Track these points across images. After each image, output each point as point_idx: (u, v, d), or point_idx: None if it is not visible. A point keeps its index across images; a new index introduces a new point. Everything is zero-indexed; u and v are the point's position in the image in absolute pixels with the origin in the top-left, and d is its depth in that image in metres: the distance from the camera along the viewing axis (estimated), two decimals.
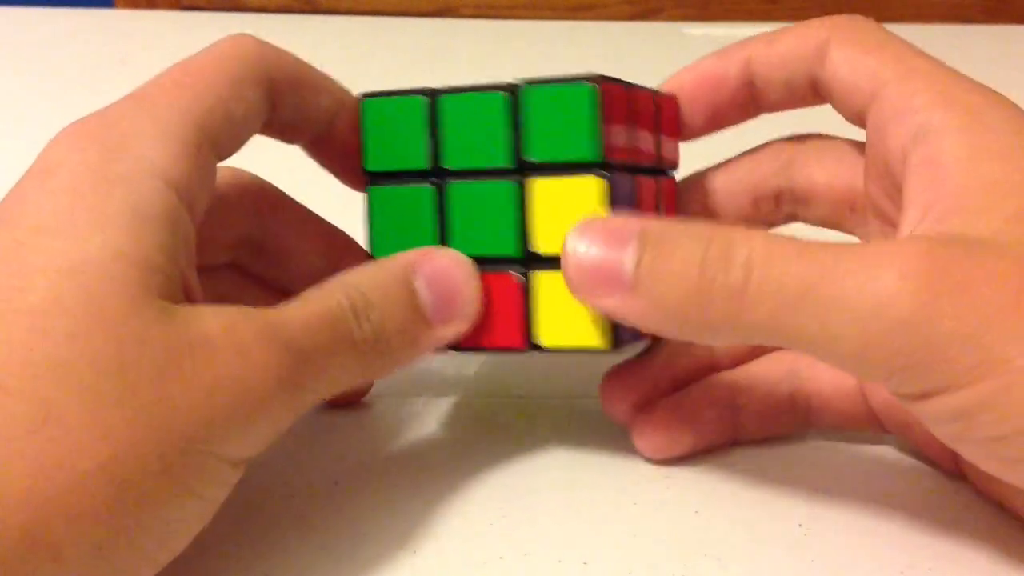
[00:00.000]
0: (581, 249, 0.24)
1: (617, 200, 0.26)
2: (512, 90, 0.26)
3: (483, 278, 0.26)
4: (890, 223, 0.27)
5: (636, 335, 0.27)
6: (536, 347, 0.26)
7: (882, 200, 0.27)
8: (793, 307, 0.22)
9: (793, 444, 0.29)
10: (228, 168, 0.27)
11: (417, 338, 0.26)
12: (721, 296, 0.22)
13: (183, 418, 0.21)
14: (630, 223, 0.24)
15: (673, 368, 0.29)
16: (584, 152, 0.25)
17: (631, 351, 0.29)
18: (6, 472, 0.19)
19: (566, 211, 0.25)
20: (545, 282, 0.26)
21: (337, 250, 0.30)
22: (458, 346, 0.27)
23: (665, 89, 0.29)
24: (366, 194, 0.28)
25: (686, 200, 0.30)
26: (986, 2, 0.99)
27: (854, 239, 0.29)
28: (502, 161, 0.26)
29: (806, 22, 0.28)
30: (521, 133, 0.26)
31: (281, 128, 0.28)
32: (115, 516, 0.20)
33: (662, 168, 0.29)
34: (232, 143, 0.26)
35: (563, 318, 0.26)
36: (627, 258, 0.23)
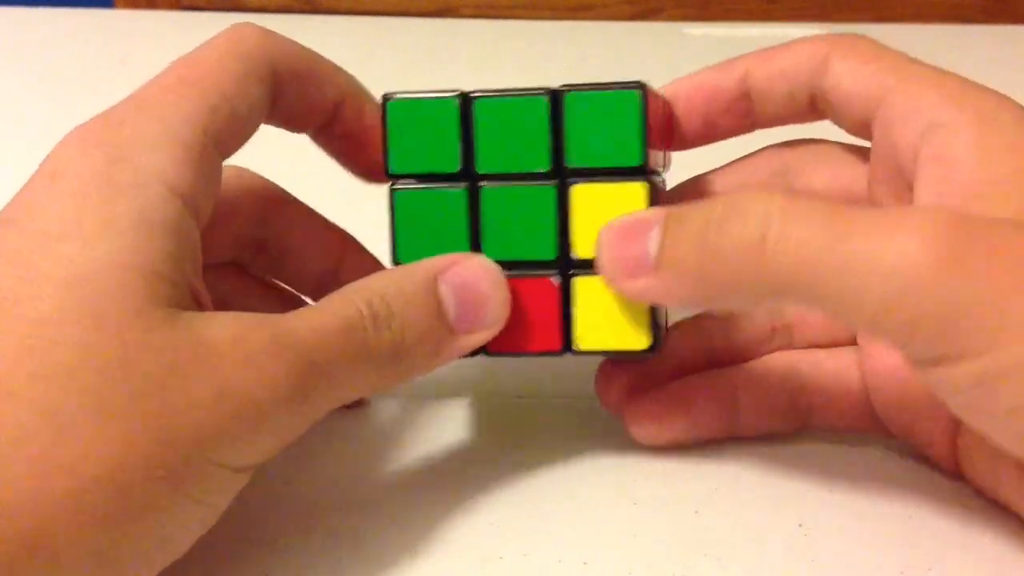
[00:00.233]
0: (613, 239, 0.25)
1: (654, 204, 0.26)
2: (554, 95, 0.26)
3: (517, 282, 0.26)
4: None
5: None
6: (572, 350, 0.27)
7: (890, 202, 0.27)
8: (815, 262, 0.22)
9: (793, 444, 0.29)
10: (231, 167, 0.27)
11: (439, 347, 0.25)
12: (739, 251, 0.22)
13: (187, 426, 0.21)
14: (657, 211, 0.25)
15: (671, 359, 0.29)
16: (630, 157, 0.26)
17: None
18: (10, 476, 0.19)
19: (607, 215, 0.25)
20: (584, 286, 0.26)
21: (340, 250, 0.30)
22: (491, 351, 0.27)
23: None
24: (390, 197, 0.27)
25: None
26: (986, 2, 0.99)
27: None
28: (541, 165, 0.26)
29: (805, 38, 0.28)
30: (563, 138, 0.26)
31: (285, 117, 0.28)
32: (117, 522, 0.20)
33: (656, 171, 0.29)
34: (237, 140, 0.26)
35: (602, 321, 0.26)
36: (652, 240, 0.24)
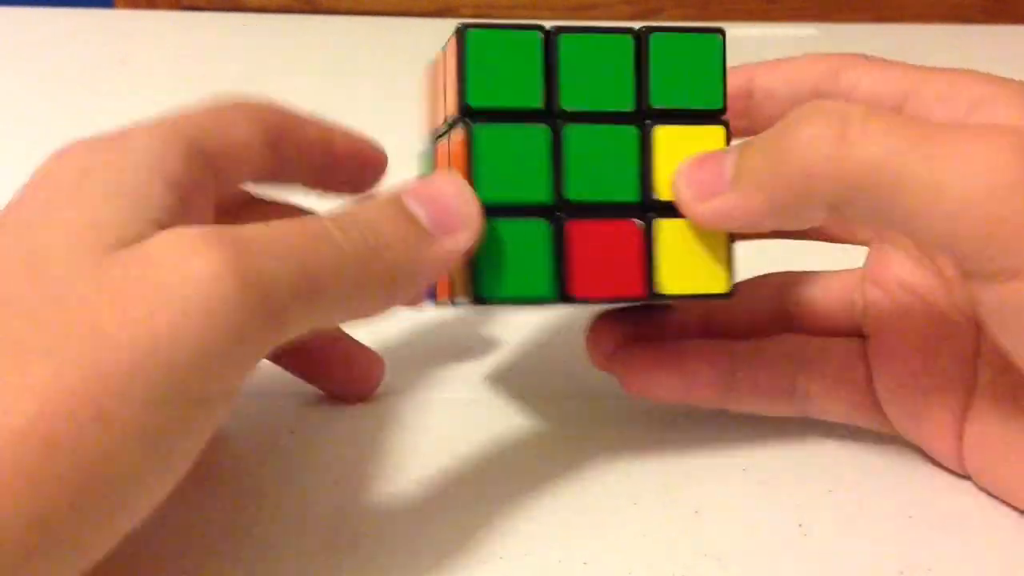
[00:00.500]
0: (690, 166, 0.25)
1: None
2: (638, 34, 0.26)
3: (600, 226, 0.26)
4: None
5: None
6: (656, 295, 0.26)
7: None
8: (897, 157, 0.22)
9: (793, 444, 0.29)
10: (240, 186, 0.27)
11: (419, 247, 0.24)
12: (815, 146, 0.22)
13: (121, 352, 0.19)
14: (734, 144, 0.25)
15: (670, 325, 0.29)
16: (712, 100, 0.26)
17: None
18: None
19: (686, 157, 0.26)
20: (667, 229, 0.26)
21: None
22: (578, 296, 0.26)
23: None
24: (468, 132, 0.25)
25: None
26: (986, 2, 0.99)
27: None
28: (625, 105, 0.26)
29: (810, 54, 0.28)
30: (646, 78, 0.26)
31: (285, 167, 0.27)
32: (52, 479, 0.18)
33: None
34: (230, 164, 0.25)
35: (685, 265, 0.26)
36: (728, 162, 0.25)
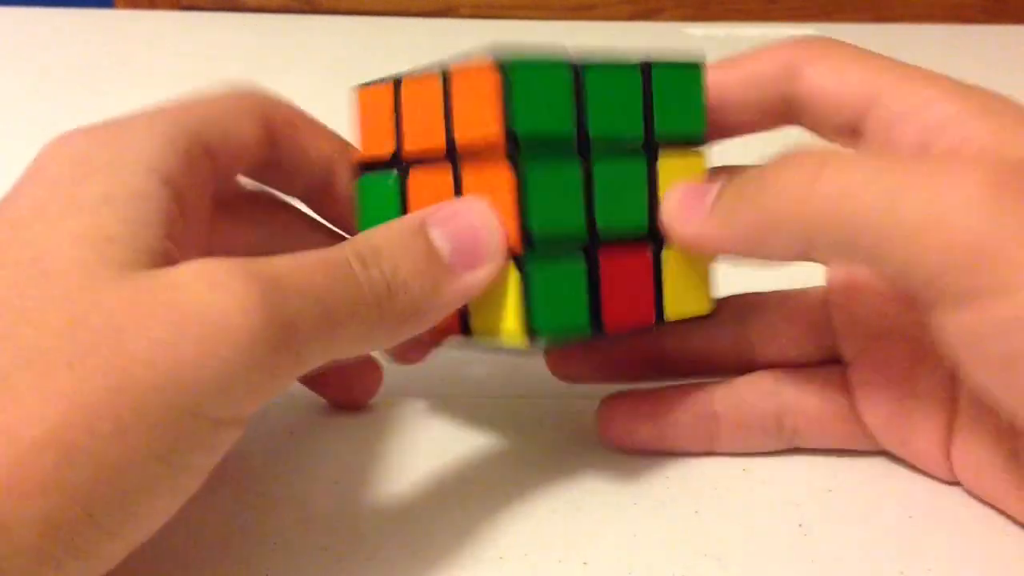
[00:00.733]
0: (678, 193, 0.26)
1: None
2: (644, 67, 0.26)
3: (613, 258, 0.26)
4: None
5: None
6: (661, 322, 0.27)
7: None
8: (864, 202, 0.22)
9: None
10: (237, 181, 0.27)
11: (438, 285, 0.24)
12: (789, 190, 0.23)
13: (144, 372, 0.19)
14: (722, 176, 0.26)
15: (620, 348, 0.29)
16: (696, 128, 0.27)
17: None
18: None
19: (674, 185, 0.27)
20: (669, 257, 0.27)
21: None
22: (608, 331, 0.26)
23: None
24: (519, 167, 0.24)
25: None
26: (986, 2, 0.99)
27: None
28: (637, 136, 0.26)
29: (769, 45, 0.28)
30: (650, 110, 0.26)
31: (282, 171, 0.28)
32: (65, 487, 0.19)
33: None
34: (228, 161, 0.25)
35: (680, 290, 0.27)
36: (711, 191, 0.26)
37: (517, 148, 0.24)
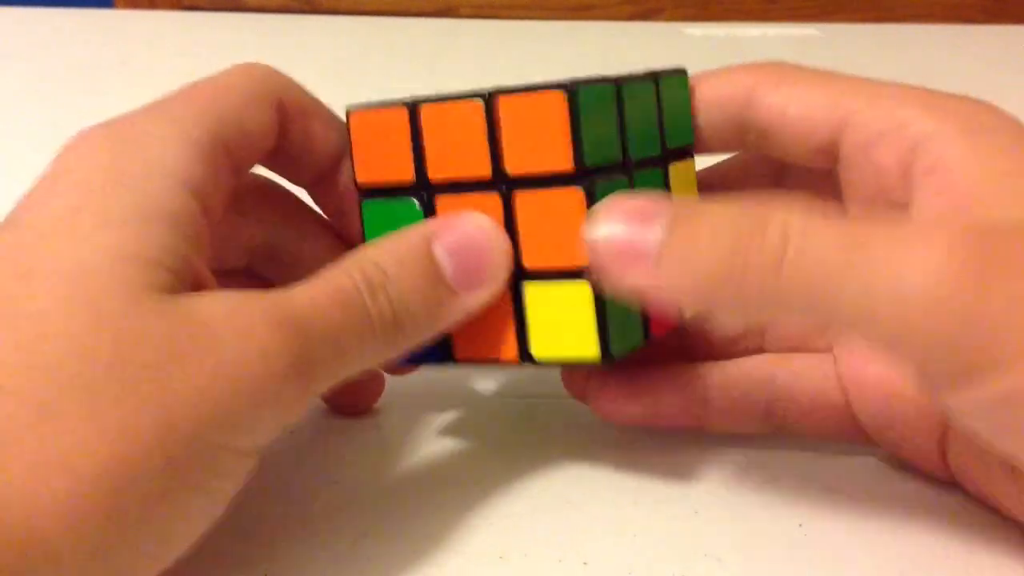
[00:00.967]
0: (607, 229, 0.23)
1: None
2: (655, 79, 0.26)
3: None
4: None
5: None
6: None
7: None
8: (833, 282, 0.21)
9: (793, 445, 0.29)
10: (248, 173, 0.27)
11: (440, 309, 0.25)
12: (756, 268, 0.22)
13: (186, 410, 0.20)
14: (657, 201, 0.23)
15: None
16: (688, 134, 0.27)
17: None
18: (3, 474, 0.19)
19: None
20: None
21: None
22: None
23: None
24: (590, 192, 0.24)
25: None
26: (986, 2, 0.99)
27: None
28: (658, 148, 0.27)
29: (730, 67, 0.27)
30: (663, 123, 0.26)
31: (290, 159, 0.28)
32: (114, 517, 0.20)
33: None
34: (246, 155, 0.26)
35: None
36: (652, 234, 0.23)
37: (585, 172, 0.24)
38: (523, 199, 0.25)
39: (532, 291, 0.26)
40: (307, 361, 0.22)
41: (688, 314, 0.25)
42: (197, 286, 0.23)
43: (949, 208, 0.24)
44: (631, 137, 0.26)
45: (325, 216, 0.30)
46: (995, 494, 0.26)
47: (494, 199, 0.26)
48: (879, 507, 0.27)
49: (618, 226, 0.23)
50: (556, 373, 0.30)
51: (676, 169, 0.27)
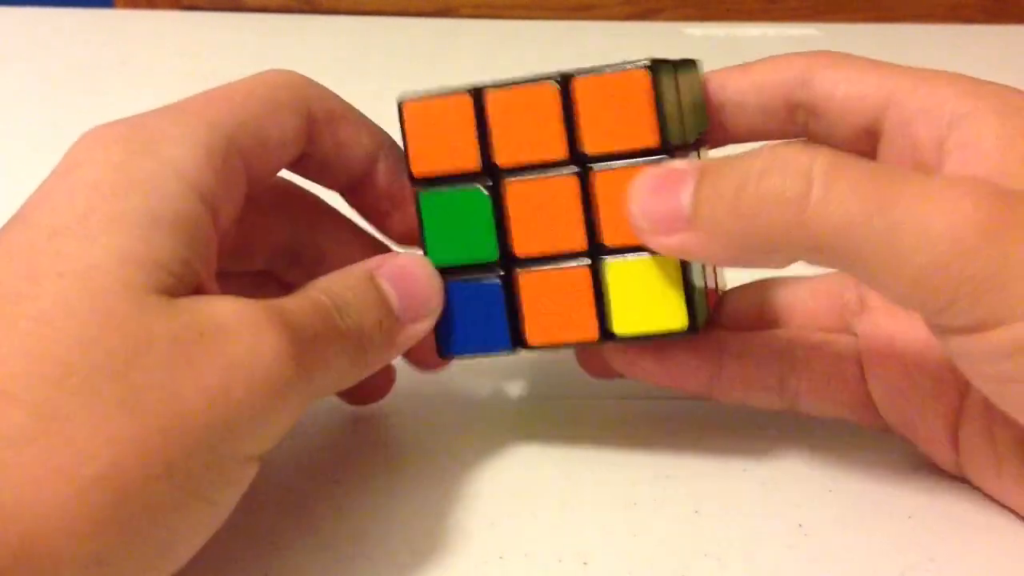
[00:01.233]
0: (645, 193, 0.24)
1: None
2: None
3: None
4: None
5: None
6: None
7: None
8: (859, 223, 0.22)
9: (793, 445, 0.29)
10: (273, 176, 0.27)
11: (392, 335, 0.26)
12: (778, 207, 0.22)
13: (194, 414, 0.20)
14: (689, 164, 0.24)
15: None
16: (705, 120, 0.27)
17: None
18: (4, 481, 0.19)
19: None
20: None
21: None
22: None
23: None
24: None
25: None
26: (986, 2, 0.99)
27: None
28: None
29: (783, 55, 0.28)
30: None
31: (321, 165, 0.28)
32: (116, 526, 0.20)
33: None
34: (265, 163, 0.26)
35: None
36: (683, 194, 0.24)
37: (667, 148, 0.25)
38: (603, 177, 0.26)
39: (615, 267, 0.26)
40: (307, 364, 0.23)
41: (728, 266, 0.25)
42: (198, 292, 0.23)
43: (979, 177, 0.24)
44: (685, 118, 0.27)
45: (364, 219, 0.30)
46: (1003, 485, 0.26)
47: (569, 180, 0.26)
48: (879, 507, 0.27)
49: (652, 194, 0.24)
50: (556, 373, 0.30)
51: (704, 154, 0.28)
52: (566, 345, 0.27)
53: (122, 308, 0.21)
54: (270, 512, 0.27)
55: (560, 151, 0.26)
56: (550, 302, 0.26)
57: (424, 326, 0.27)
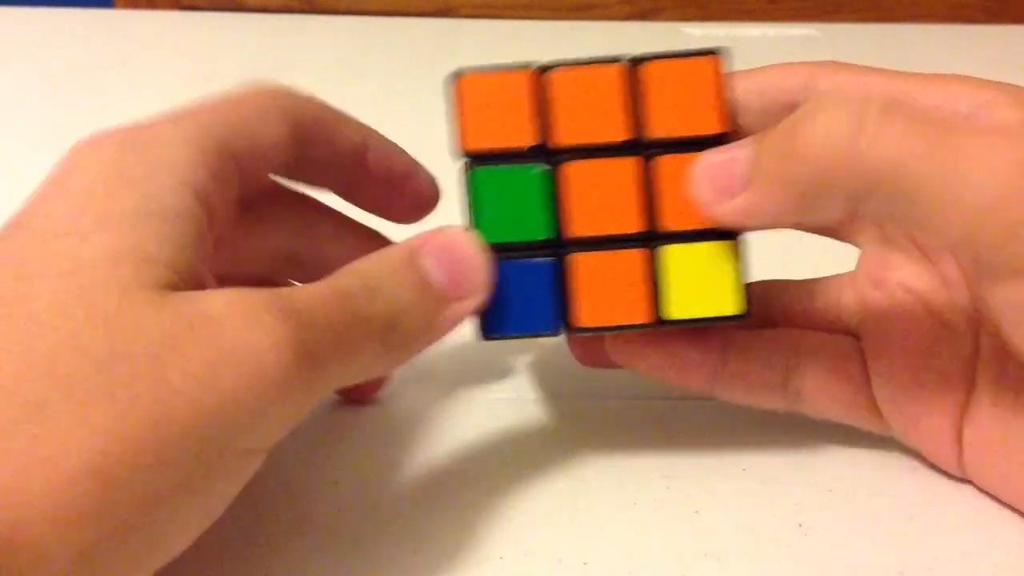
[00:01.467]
0: (706, 166, 0.25)
1: None
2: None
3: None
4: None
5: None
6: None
7: None
8: (917, 154, 0.22)
9: (793, 444, 0.29)
10: (265, 180, 0.27)
11: (432, 315, 0.25)
12: (830, 141, 0.22)
13: (184, 405, 0.20)
14: (748, 139, 0.25)
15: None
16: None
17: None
18: None
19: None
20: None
21: None
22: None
23: None
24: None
25: None
26: (986, 2, 0.99)
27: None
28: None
29: (789, 63, 0.28)
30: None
31: (314, 166, 0.28)
32: (102, 518, 0.19)
33: None
34: (258, 166, 0.26)
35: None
36: (742, 159, 0.24)
37: (729, 134, 0.26)
38: (667, 162, 0.26)
39: (674, 253, 0.26)
40: (312, 353, 0.22)
41: (791, 221, 0.26)
42: (196, 285, 0.22)
43: None
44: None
45: (366, 211, 0.30)
46: (1010, 485, 0.26)
47: (630, 162, 0.26)
48: (879, 507, 0.27)
49: (713, 164, 0.25)
50: (556, 373, 0.30)
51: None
52: (616, 328, 0.27)
53: (110, 303, 0.20)
54: (270, 512, 0.27)
55: (622, 133, 0.26)
56: (603, 285, 0.26)
57: (470, 304, 0.26)
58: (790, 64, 0.28)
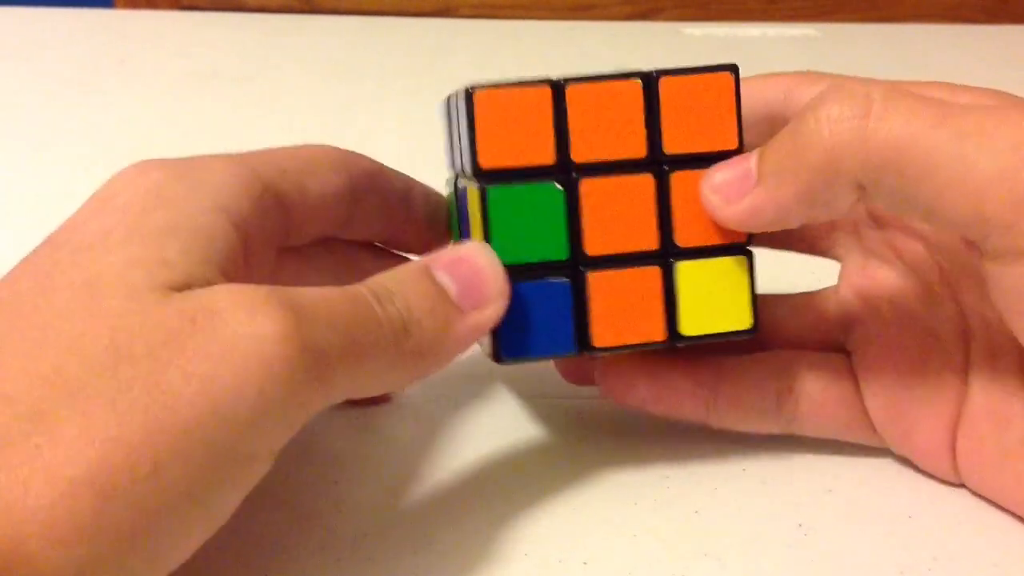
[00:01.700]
0: (715, 172, 0.25)
1: None
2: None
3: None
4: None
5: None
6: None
7: None
8: (924, 132, 0.22)
9: (793, 444, 0.29)
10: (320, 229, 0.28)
11: (449, 324, 0.24)
12: (841, 124, 0.22)
13: (185, 410, 0.19)
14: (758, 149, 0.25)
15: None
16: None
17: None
18: None
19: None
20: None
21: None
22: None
23: None
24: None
25: None
26: (986, 2, 0.99)
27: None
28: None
29: (770, 73, 0.28)
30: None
31: (364, 219, 0.28)
32: (100, 531, 0.19)
33: None
34: (307, 213, 0.26)
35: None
36: (751, 160, 0.25)
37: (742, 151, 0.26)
38: (681, 178, 0.26)
39: (686, 269, 0.26)
40: (319, 349, 0.21)
41: (801, 216, 0.25)
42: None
43: None
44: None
45: (411, 255, 0.30)
46: (1006, 490, 0.26)
47: (646, 179, 0.26)
48: (879, 507, 0.27)
49: (722, 169, 0.25)
50: (555, 373, 0.30)
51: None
52: (632, 347, 0.26)
53: (117, 305, 0.20)
54: (271, 513, 0.27)
55: (640, 149, 0.26)
56: (619, 303, 0.26)
57: (489, 314, 0.25)
58: (769, 75, 0.28)
